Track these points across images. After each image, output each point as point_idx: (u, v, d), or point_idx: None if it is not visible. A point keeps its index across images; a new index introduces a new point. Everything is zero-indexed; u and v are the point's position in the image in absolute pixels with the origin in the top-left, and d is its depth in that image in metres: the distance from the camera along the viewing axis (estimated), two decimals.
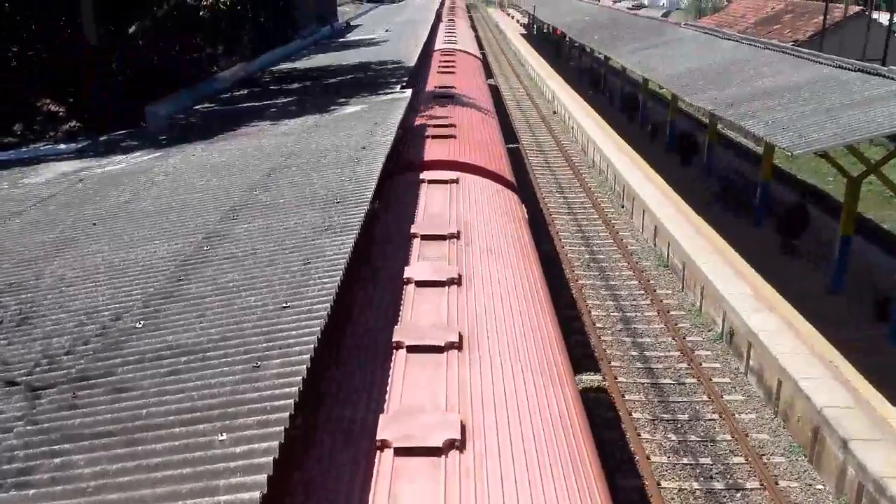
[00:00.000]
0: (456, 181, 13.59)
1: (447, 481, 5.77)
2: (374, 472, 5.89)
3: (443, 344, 7.61)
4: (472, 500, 5.59)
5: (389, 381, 7.11)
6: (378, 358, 7.52)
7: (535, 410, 7.01)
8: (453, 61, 30.59)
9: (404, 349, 7.57)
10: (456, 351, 7.57)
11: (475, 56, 37.13)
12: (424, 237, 10.70)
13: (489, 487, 5.75)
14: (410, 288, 9.12)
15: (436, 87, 23.75)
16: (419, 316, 8.41)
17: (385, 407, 6.73)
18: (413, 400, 6.77)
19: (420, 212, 12.06)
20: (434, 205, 12.35)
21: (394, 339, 7.71)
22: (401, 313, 8.49)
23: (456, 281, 9.29)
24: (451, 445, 6.09)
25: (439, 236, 10.70)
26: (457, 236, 10.78)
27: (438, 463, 5.93)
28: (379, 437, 6.16)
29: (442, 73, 27.48)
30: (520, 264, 10.95)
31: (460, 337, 7.81)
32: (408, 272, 9.44)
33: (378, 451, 6.09)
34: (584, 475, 6.40)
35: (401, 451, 6.04)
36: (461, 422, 6.35)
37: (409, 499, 5.61)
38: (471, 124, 19.05)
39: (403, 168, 14.78)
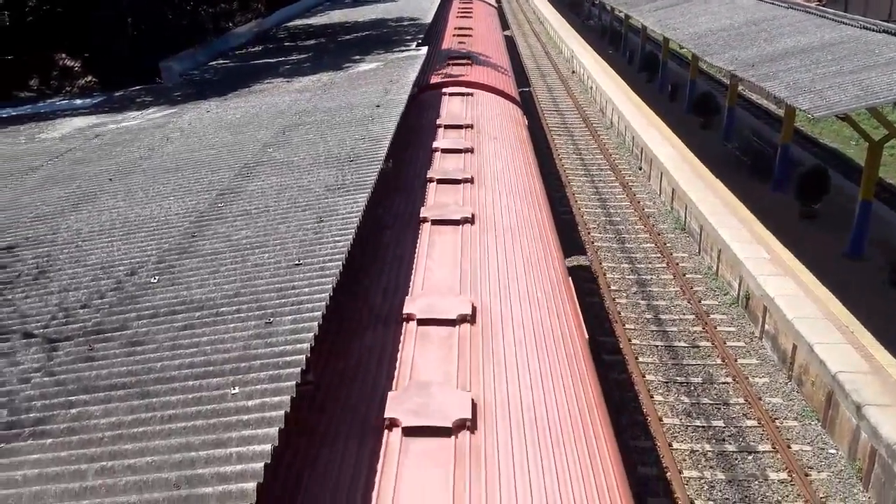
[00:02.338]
0: (471, 94, 17.24)
1: (463, 244, 9.43)
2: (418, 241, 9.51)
3: (460, 178, 11.62)
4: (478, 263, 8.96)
5: (427, 194, 11.12)
6: (419, 185, 11.60)
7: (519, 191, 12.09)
8: (470, 7, 34.91)
9: (435, 182, 11.54)
10: (470, 184, 11.54)
11: (491, 4, 42.30)
12: (447, 126, 14.62)
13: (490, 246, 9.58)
14: (437, 154, 13.00)
15: (455, 28, 27.76)
16: (444, 168, 12.22)
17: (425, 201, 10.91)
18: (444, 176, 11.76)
19: (443, 112, 15.81)
20: (454, 109, 16.06)
21: (428, 175, 11.79)
22: (432, 165, 12.42)
23: (469, 150, 13.13)
24: (466, 220, 10.15)
25: (457, 126, 14.59)
26: (470, 126, 14.61)
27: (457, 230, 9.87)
28: (422, 215, 10.21)
29: (460, 17, 31.72)
30: (517, 147, 14.79)
31: (472, 178, 11.79)
32: (435, 144, 13.40)
33: (421, 224, 10.04)
34: (561, 293, 9.26)
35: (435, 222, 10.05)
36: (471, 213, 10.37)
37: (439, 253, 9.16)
38: (485, 54, 23.15)
39: (429, 87, 18.31)
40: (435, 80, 18.77)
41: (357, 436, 6.06)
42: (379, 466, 5.63)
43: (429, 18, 27.60)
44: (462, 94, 17.04)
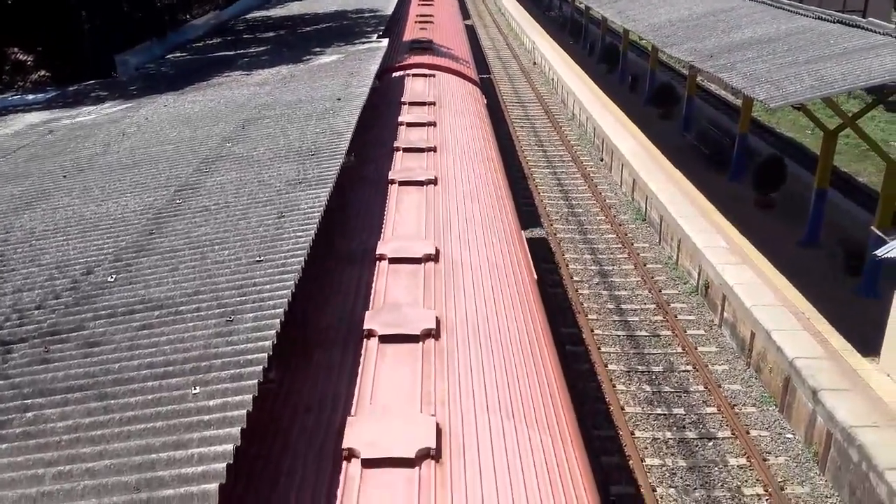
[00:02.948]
0: (433, 75, 18.57)
1: (427, 201, 10.51)
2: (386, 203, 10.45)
3: (424, 147, 12.72)
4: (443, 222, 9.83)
5: (393, 161, 12.16)
6: (386, 154, 12.59)
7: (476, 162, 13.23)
8: None
9: (401, 151, 12.62)
10: (433, 153, 12.62)
11: None
12: (411, 103, 15.63)
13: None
14: (403, 128, 14.00)
15: (417, 16, 29.03)
16: (409, 139, 13.33)
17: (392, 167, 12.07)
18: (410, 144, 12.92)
19: (407, 91, 16.90)
20: (417, 88, 17.30)
21: (394, 145, 12.81)
22: (397, 137, 13.47)
23: (432, 124, 14.26)
24: (430, 181, 11.27)
25: (421, 103, 15.67)
26: (433, 103, 15.70)
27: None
28: (390, 177, 11.39)
29: (422, 5, 32.99)
30: (476, 121, 16.13)
31: (435, 147, 12.81)
32: (400, 119, 14.44)
33: (389, 185, 11.09)
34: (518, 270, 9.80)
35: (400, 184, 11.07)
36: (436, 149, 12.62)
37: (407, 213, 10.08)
38: (446, 40, 24.72)
39: (394, 69, 19.51)
40: (399, 62, 19.96)
41: (340, 344, 7.19)
42: (360, 366, 6.70)
43: (389, 10, 27.46)
44: (425, 76, 18.34)
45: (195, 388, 5.27)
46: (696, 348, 14.96)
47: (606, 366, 14.35)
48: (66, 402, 5.34)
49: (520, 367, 7.24)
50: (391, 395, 6.29)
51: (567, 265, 18.47)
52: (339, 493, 5.29)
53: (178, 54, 22.24)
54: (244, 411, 4.92)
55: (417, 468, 5.46)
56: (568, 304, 16.63)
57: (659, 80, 30.42)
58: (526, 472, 5.74)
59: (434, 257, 8.75)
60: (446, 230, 9.80)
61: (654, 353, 14.84)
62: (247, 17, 29.77)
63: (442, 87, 17.69)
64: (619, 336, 15.44)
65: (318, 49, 19.68)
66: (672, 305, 16.60)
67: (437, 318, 7.37)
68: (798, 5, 22.57)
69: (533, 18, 52.74)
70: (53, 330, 6.34)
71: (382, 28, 23.02)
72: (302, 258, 6.97)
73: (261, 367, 5.40)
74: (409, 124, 14.10)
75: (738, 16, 22.63)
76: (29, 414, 5.26)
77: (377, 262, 8.65)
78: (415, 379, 6.50)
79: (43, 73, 21.28)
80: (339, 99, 13.33)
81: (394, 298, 7.83)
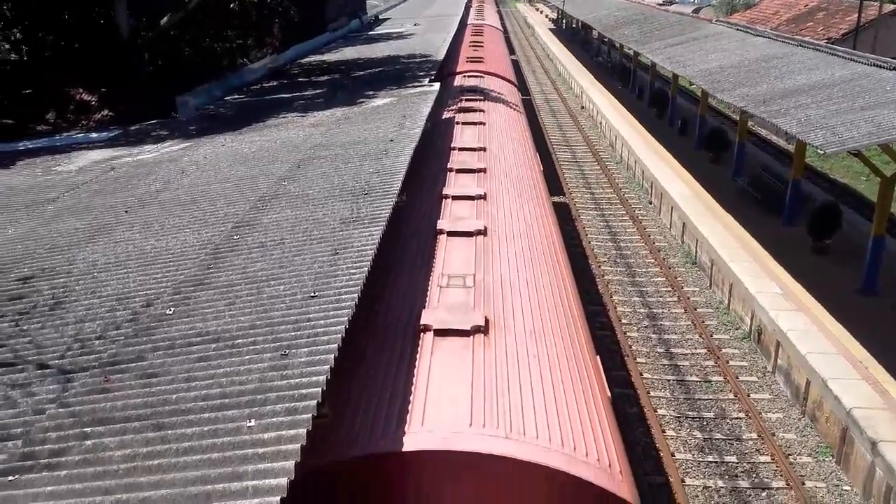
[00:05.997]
0: (482, 77, 25.67)
1: (479, 134, 17.10)
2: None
3: (475, 122, 18.30)
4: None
5: (454, 129, 17.38)
6: (449, 124, 17.90)
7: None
8: (482, 28, 44.71)
9: (460, 125, 17.97)
10: (483, 126, 17.99)
11: (497, 28, 52.09)
12: (466, 98, 21.29)
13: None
14: (460, 101, 20.36)
15: (469, 42, 36.88)
16: (465, 118, 18.57)
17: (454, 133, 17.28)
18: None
19: (461, 88, 23.23)
20: (469, 85, 23.91)
21: (455, 119, 18.36)
22: (455, 115, 18.99)
23: (482, 108, 19.80)
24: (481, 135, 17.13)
25: (473, 96, 21.60)
26: (482, 96, 21.77)
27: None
28: (456, 120, 18.32)
29: (474, 35, 40.79)
30: (511, 109, 21.94)
31: (484, 122, 18.31)
32: (458, 107, 19.89)
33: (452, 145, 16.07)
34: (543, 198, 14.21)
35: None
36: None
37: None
38: (492, 55, 32.91)
39: (452, 74, 26.51)
40: (456, 70, 27.12)
41: (399, 338, 8.23)
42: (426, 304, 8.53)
43: (440, 56, 27.91)
44: (475, 77, 25.45)
45: (251, 421, 5.33)
46: (748, 395, 14.61)
47: (656, 410, 14.09)
48: (125, 432, 5.44)
49: (541, 286, 9.70)
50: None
51: (615, 307, 18.29)
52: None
53: (236, 96, 22.89)
54: (298, 445, 4.96)
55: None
56: (616, 346, 16.43)
57: (709, 125, 30.25)
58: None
59: (483, 232, 11.76)
60: (490, 145, 15.89)
61: (705, 399, 14.53)
62: (302, 61, 30.53)
63: (488, 85, 24.25)
64: (668, 380, 15.17)
65: (371, 92, 20.08)
66: (723, 351, 16.28)
67: (482, 290, 9.13)
68: (853, 52, 22.34)
69: (581, 64, 53.08)
70: (113, 360, 6.49)
71: (434, 73, 23.40)
72: (356, 294, 7.05)
73: (315, 401, 5.44)
74: (464, 110, 19.54)
75: (792, 62, 22.48)
76: (88, 442, 5.37)
77: (437, 235, 11.34)
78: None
79: (106, 112, 22.05)
80: (392, 140, 13.54)
81: (452, 269, 9.88)
